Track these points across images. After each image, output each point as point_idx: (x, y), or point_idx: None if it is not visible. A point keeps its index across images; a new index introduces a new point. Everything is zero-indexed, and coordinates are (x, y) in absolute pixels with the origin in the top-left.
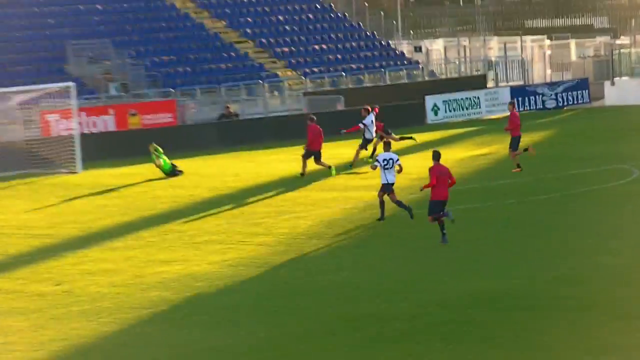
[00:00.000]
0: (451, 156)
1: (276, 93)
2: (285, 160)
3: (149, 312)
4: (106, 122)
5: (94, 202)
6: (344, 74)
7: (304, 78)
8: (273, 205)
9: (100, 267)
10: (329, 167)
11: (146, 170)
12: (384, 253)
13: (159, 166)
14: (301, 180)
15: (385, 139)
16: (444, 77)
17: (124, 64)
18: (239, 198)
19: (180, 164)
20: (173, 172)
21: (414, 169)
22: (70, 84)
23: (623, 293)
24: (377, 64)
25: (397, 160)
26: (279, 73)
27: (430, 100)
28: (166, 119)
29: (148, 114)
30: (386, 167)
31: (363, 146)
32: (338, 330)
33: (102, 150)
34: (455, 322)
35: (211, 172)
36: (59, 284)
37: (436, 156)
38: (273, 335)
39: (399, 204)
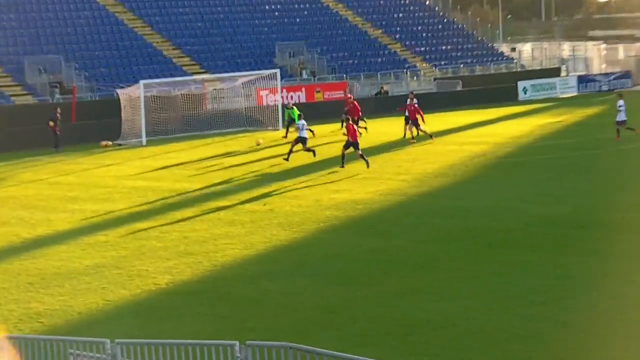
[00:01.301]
0: (535, 122)
1: (415, 78)
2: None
3: (325, 225)
4: (299, 96)
5: (288, 149)
6: (462, 65)
7: (434, 68)
8: (411, 154)
9: (292, 193)
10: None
11: (320, 129)
12: (487, 186)
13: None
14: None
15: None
16: (531, 68)
17: (313, 57)
18: (388, 149)
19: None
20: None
21: (511, 130)
22: (277, 70)
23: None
24: (484, 60)
25: (305, 125)
26: (417, 64)
27: (521, 84)
28: (340, 94)
29: (327, 91)
30: (301, 128)
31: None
32: (459, 239)
33: None
34: (534, 235)
35: (369, 131)
36: (265, 204)
37: (353, 120)
38: (411, 241)
39: (301, 147)
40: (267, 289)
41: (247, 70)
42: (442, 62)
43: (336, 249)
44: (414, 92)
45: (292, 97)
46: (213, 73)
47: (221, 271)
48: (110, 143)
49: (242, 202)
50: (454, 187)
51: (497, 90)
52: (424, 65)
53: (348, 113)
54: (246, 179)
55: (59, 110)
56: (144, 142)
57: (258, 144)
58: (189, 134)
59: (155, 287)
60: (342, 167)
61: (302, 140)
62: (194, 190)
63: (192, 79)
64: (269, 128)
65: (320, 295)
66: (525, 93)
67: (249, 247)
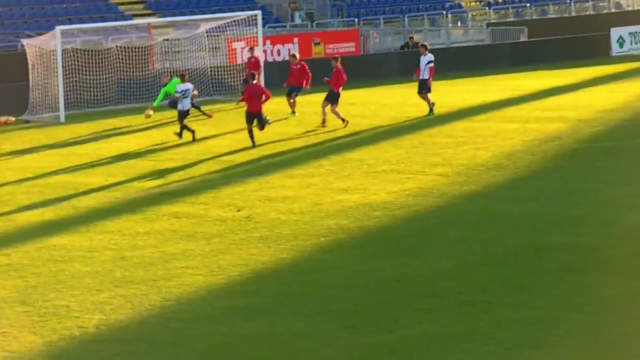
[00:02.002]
0: (635, 89)
1: (459, 24)
2: (467, 91)
3: (327, 239)
4: (290, 51)
5: (274, 129)
6: (528, 4)
7: (487, 8)
8: (453, 136)
9: (280, 193)
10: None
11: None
12: (564, 184)
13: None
14: (482, 110)
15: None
16: (630, 9)
17: None
18: (418, 128)
19: (360, 93)
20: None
21: (599, 101)
22: (257, 12)
23: None
24: None
25: (193, 89)
26: (463, 3)
27: (615, 32)
28: (349, 48)
29: (331, 43)
30: (184, 96)
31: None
32: (523, 260)
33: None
34: (634, 255)
35: (392, 102)
36: (239, 209)
37: (252, 77)
38: (455, 264)
39: (182, 123)
40: (243, 333)
41: (215, 12)
42: (500, 0)
43: (343, 276)
44: (427, 46)
45: (279, 50)
46: (164, 16)
47: (176, 308)
48: (13, 119)
49: (207, 206)
50: (514, 185)
51: (580, 41)
52: (473, 4)
53: (247, 67)
54: (212, 172)
55: None
56: (63, 118)
57: (148, 117)
58: (128, 106)
59: (79, 331)
60: (254, 146)
61: (181, 114)
62: (136, 189)
63: (134, 24)
64: None
65: (320, 343)
66: (621, 46)
67: (216, 273)
